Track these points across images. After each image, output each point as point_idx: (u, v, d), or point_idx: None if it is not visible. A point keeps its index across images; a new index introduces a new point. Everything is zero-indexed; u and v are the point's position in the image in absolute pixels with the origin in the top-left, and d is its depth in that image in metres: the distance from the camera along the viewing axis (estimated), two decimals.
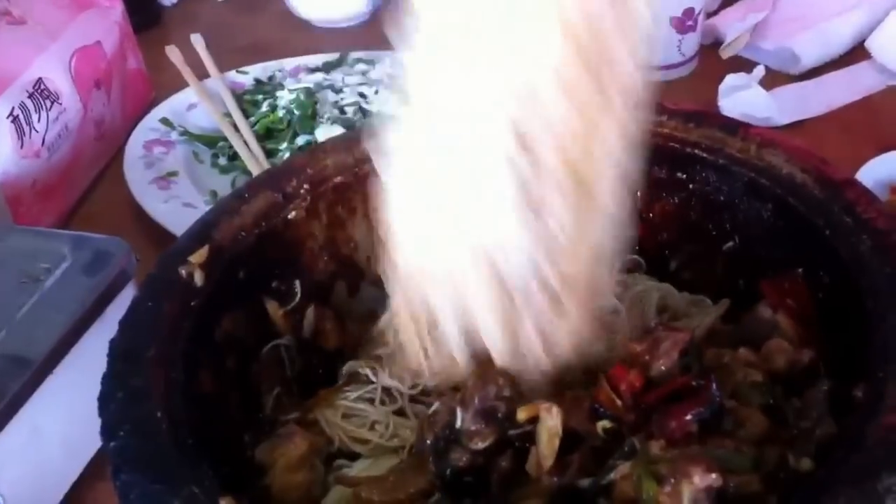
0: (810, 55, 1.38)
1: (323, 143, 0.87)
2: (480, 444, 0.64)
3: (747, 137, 0.78)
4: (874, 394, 0.55)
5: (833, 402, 0.62)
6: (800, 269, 0.73)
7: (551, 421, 0.62)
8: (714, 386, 0.61)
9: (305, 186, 0.80)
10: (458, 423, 0.65)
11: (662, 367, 0.65)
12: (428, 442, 0.66)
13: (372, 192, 0.85)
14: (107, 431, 0.59)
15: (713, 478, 0.53)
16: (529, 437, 0.63)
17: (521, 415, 0.64)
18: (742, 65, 1.37)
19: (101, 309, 0.81)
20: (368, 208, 0.85)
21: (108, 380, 0.62)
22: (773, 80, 1.33)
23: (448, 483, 0.64)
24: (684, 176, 0.81)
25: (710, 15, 1.48)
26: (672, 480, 0.54)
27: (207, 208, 0.85)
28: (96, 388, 0.62)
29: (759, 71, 1.28)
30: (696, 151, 0.80)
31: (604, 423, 0.63)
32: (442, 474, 0.64)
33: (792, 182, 0.74)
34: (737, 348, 0.69)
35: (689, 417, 0.60)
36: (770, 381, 0.66)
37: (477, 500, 0.63)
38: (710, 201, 0.80)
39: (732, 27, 1.43)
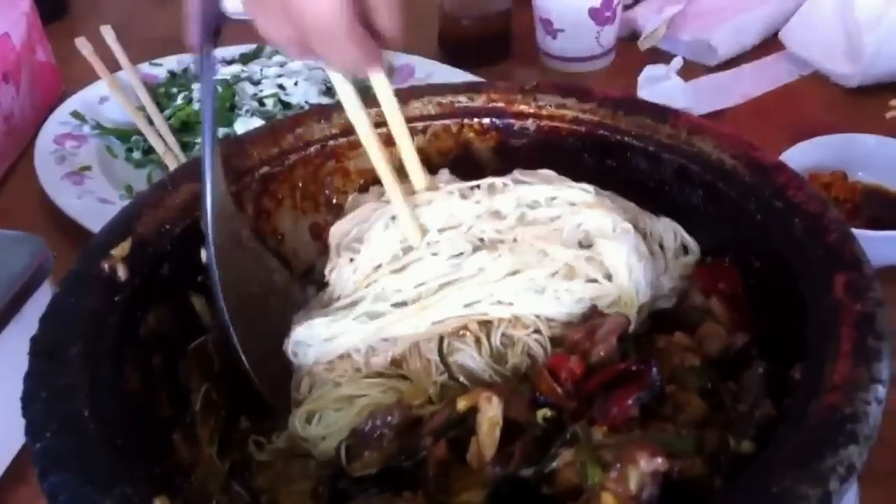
0: (726, 47, 1.40)
1: (247, 132, 0.85)
2: (361, 472, 0.63)
3: (677, 124, 0.78)
4: (813, 374, 0.55)
5: (770, 384, 0.62)
6: (731, 254, 0.74)
7: (492, 410, 0.61)
8: (655, 370, 0.60)
9: (230, 177, 0.78)
10: (343, 461, 0.65)
11: (602, 353, 0.64)
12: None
13: (298, 183, 0.84)
14: (32, 432, 0.57)
15: (659, 462, 0.53)
16: (421, 464, 0.62)
17: (461, 404, 0.63)
18: (659, 57, 1.38)
19: (18, 307, 0.78)
20: (295, 199, 0.84)
21: (31, 378, 0.60)
22: (690, 71, 1.34)
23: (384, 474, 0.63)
24: (614, 164, 0.81)
25: (627, 7, 1.48)
26: (618, 466, 0.53)
27: (123, 203, 0.82)
28: (14, 389, 0.59)
29: (677, 62, 1.29)
30: (626, 139, 0.80)
31: (544, 412, 0.62)
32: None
33: (722, 167, 0.74)
34: (672, 333, 0.69)
35: (630, 402, 0.59)
36: (706, 366, 0.66)
37: (417, 490, 0.62)
38: (640, 189, 0.80)
39: (650, 19, 1.44)
